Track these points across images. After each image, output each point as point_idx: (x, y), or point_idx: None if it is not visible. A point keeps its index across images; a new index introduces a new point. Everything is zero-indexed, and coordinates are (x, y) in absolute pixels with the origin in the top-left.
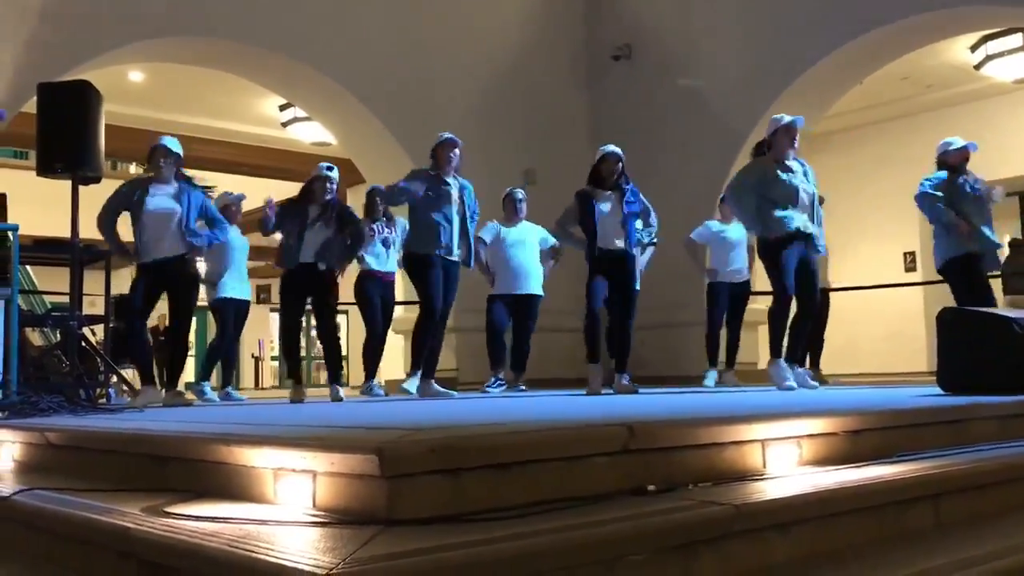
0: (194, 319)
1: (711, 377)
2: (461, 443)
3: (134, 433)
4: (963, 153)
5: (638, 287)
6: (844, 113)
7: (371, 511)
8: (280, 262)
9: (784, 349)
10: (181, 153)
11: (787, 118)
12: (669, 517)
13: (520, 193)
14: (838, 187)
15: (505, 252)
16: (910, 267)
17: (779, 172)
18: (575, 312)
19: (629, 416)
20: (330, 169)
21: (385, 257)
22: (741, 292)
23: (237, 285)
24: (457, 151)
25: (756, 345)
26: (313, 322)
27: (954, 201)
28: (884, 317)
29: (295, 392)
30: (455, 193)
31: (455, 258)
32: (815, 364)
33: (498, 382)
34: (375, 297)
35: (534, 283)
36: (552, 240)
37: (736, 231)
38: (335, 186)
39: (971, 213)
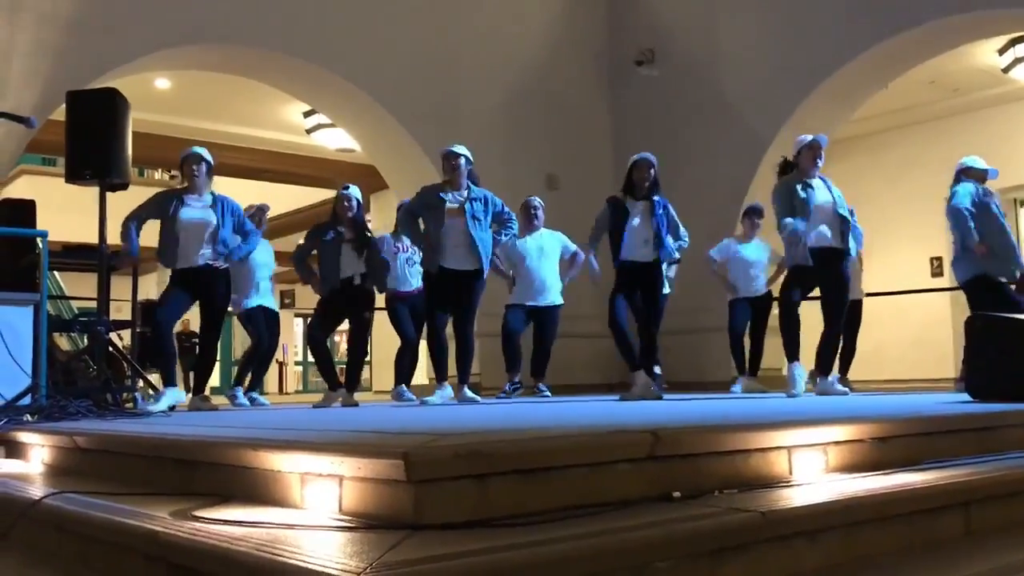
0: None
1: (739, 384)
2: (487, 448)
3: (162, 437)
4: (982, 174)
5: (667, 291)
6: (870, 117)
7: (397, 516)
8: (320, 287)
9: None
10: (212, 162)
11: (809, 137)
12: (696, 524)
13: (537, 200)
14: (864, 191)
15: (522, 262)
16: (937, 272)
17: (799, 188)
18: (599, 318)
19: (654, 422)
20: (346, 188)
21: (407, 276)
22: (761, 304)
23: (266, 298)
24: (461, 161)
25: (782, 351)
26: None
27: (980, 217)
28: (911, 323)
29: (328, 397)
30: (456, 206)
31: (464, 268)
32: (843, 371)
33: (513, 387)
34: (403, 311)
35: (552, 294)
36: (573, 247)
37: (753, 250)
38: (354, 203)
39: (995, 232)
